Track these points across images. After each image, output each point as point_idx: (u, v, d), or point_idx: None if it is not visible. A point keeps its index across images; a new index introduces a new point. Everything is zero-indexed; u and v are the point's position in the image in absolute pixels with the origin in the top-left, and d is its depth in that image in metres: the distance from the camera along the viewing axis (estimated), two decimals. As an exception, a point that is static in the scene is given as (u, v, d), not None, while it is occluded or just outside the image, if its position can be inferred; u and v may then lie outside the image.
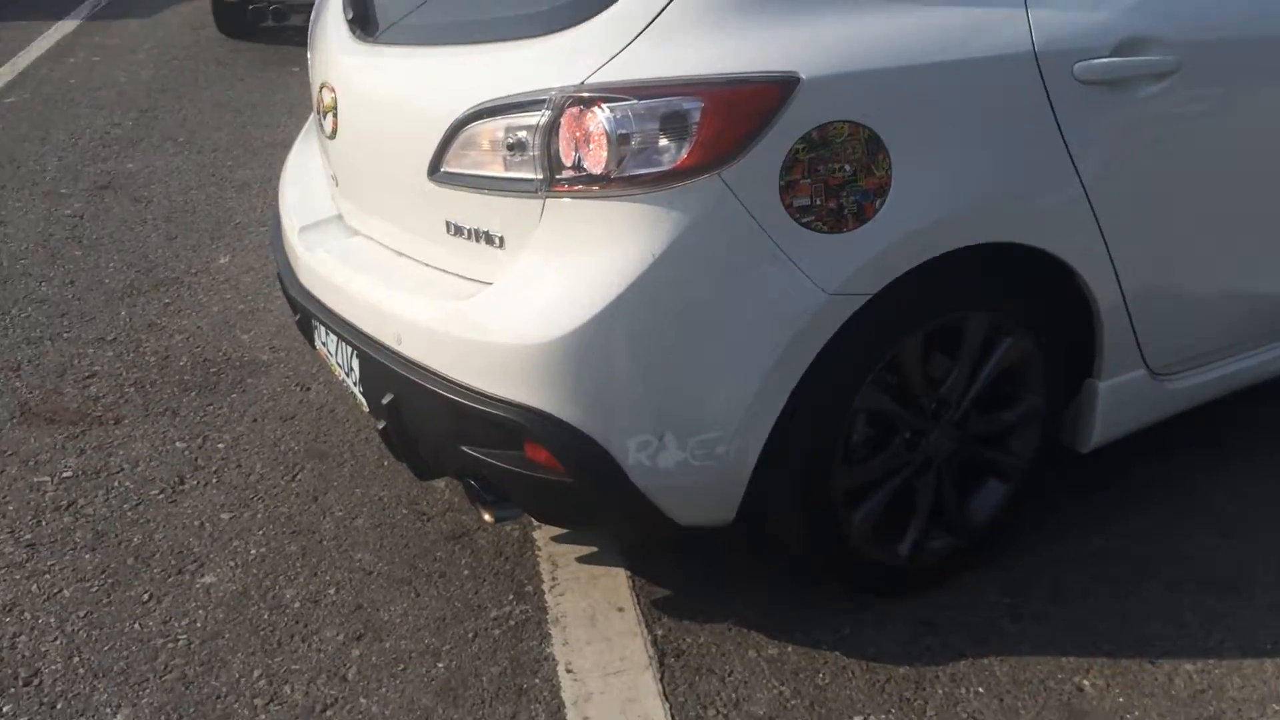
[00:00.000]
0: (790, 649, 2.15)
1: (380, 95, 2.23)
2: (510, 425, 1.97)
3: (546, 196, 1.91)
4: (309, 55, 2.66)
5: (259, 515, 2.54)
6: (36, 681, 2.07)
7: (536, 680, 2.08)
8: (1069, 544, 2.41)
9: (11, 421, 2.91)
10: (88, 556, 2.40)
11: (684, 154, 1.81)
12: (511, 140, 1.92)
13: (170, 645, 2.16)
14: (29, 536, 2.47)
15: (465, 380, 2.00)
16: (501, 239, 2.01)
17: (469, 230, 2.06)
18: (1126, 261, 2.17)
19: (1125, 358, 2.29)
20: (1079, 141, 2.05)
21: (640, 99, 1.82)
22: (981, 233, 2.01)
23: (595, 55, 1.88)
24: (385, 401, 2.18)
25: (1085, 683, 2.06)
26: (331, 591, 2.31)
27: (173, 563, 2.39)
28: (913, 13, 1.93)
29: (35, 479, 2.67)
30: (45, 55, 6.83)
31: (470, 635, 2.19)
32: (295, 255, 2.47)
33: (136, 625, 2.22)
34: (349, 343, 2.26)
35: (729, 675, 2.09)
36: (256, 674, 2.10)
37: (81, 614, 2.24)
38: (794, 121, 1.83)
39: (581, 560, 2.39)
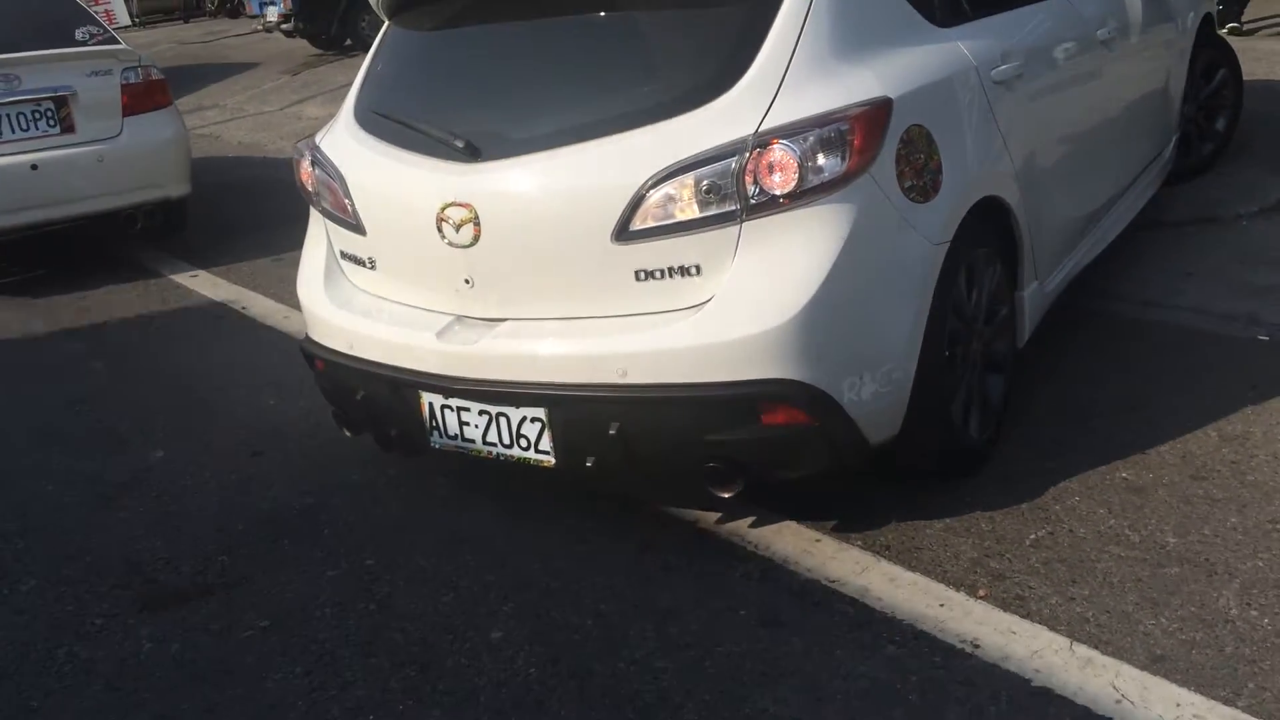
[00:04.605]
0: (949, 520, 2.89)
1: (540, 193, 2.71)
2: (750, 402, 2.59)
3: (745, 221, 2.56)
4: (343, 196, 3.02)
5: (483, 582, 2.81)
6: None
7: (819, 594, 2.65)
8: (1042, 412, 3.40)
9: (143, 614, 2.85)
10: (374, 660, 2.56)
11: (848, 163, 2.56)
12: (707, 185, 2.56)
13: (523, 674, 2.44)
14: (303, 682, 2.55)
15: (705, 379, 2.58)
16: (698, 267, 2.62)
17: (661, 271, 2.64)
18: (1029, 199, 3.23)
19: (1029, 273, 3.35)
20: (1003, 122, 3.08)
21: (810, 129, 2.54)
22: (982, 190, 2.96)
23: (753, 111, 2.59)
24: (612, 432, 2.65)
25: (1125, 475, 3.02)
26: (628, 594, 2.68)
27: (448, 637, 2.62)
28: (928, 43, 2.88)
29: (239, 636, 2.70)
30: None
31: (743, 575, 2.70)
32: (447, 355, 2.82)
33: (482, 679, 2.46)
34: (544, 403, 2.70)
35: (931, 548, 2.79)
36: (649, 632, 2.46)
37: (437, 690, 2.44)
38: (896, 128, 2.66)
39: (754, 527, 2.96)
